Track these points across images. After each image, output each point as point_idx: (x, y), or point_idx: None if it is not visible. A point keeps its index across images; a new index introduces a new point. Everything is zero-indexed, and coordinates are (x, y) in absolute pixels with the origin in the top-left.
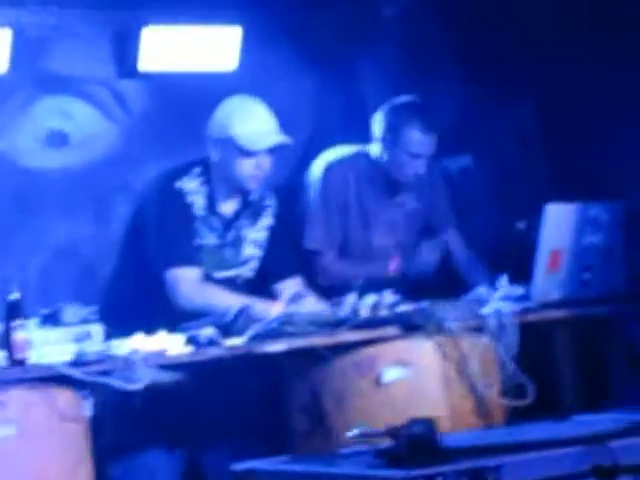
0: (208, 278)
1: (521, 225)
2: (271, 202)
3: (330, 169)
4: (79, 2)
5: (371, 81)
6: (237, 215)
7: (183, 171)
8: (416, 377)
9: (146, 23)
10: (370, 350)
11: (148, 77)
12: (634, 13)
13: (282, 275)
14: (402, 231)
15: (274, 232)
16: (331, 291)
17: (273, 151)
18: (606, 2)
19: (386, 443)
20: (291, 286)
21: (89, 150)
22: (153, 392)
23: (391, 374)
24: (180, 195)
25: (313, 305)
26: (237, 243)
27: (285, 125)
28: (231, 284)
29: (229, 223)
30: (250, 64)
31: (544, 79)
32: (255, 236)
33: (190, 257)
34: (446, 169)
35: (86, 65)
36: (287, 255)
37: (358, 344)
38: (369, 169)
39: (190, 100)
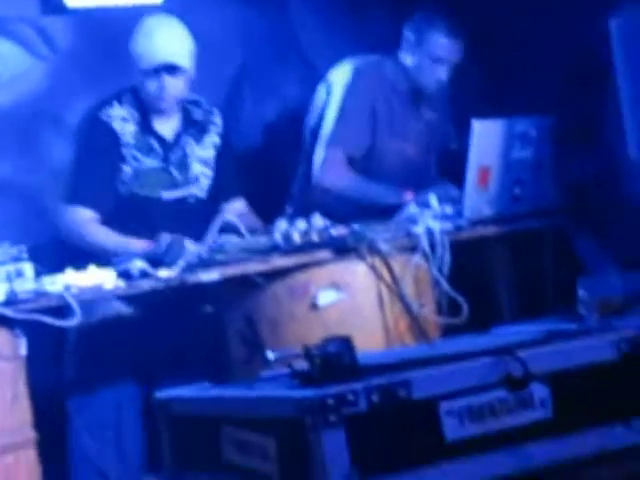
0: (157, 200)
1: (454, 145)
2: (216, 119)
3: (359, 73)
4: None
5: (301, 10)
6: (178, 135)
7: (111, 99)
8: (350, 299)
9: None
10: (303, 275)
11: (74, 13)
12: None
13: (228, 196)
14: (425, 143)
15: (220, 151)
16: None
17: (173, 72)
18: None
19: (302, 364)
20: (236, 207)
21: (16, 88)
22: (97, 327)
23: (325, 297)
24: (105, 125)
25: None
26: (183, 162)
27: (215, 54)
28: (182, 204)
29: (170, 144)
30: None
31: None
32: (202, 154)
33: (89, 196)
34: None
35: (9, 3)
36: (233, 175)
37: (291, 269)
38: (395, 76)
39: (118, 34)
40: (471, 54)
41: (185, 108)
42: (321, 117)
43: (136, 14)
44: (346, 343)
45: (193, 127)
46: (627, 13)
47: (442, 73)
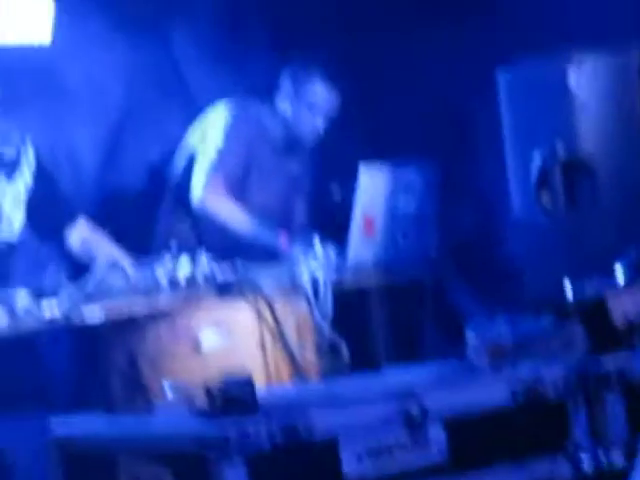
0: None
1: (335, 188)
2: (27, 156)
3: (236, 115)
4: None
5: (186, 51)
6: None
7: None
8: (233, 342)
9: None
10: (187, 315)
11: None
12: None
13: (65, 222)
14: (288, 196)
15: (36, 185)
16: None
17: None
18: None
19: (201, 399)
20: (81, 230)
21: None
22: None
23: (208, 339)
24: None
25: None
26: None
27: (98, 94)
28: None
29: None
30: (63, 36)
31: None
32: (13, 193)
33: None
34: None
35: None
36: (60, 203)
37: (175, 310)
38: (270, 124)
39: (5, 73)
40: (355, 98)
41: None
42: (191, 158)
43: (23, 54)
44: (247, 382)
45: (2, 166)
46: (515, 67)
47: (319, 122)
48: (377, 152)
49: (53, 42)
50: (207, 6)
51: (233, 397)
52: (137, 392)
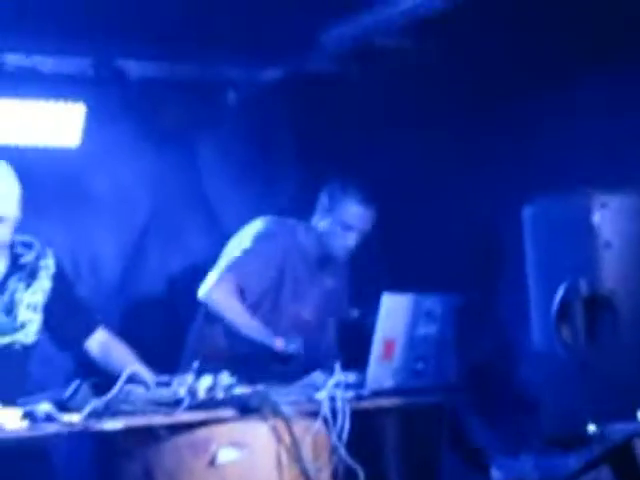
0: None
1: (354, 313)
2: (48, 262)
3: (274, 232)
4: None
5: (211, 165)
6: (5, 278)
7: None
8: (250, 459)
9: None
10: (205, 431)
11: None
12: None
13: (85, 333)
14: (322, 309)
15: (55, 293)
16: None
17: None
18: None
19: None
20: (100, 338)
21: None
22: None
23: (225, 455)
24: None
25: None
26: (10, 308)
27: (125, 201)
28: (8, 351)
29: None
30: (92, 141)
31: (380, 174)
32: (30, 299)
33: None
34: None
35: None
36: (82, 309)
37: (194, 424)
38: (306, 242)
39: (32, 174)
40: (377, 223)
41: (14, 252)
42: None
43: (51, 156)
44: None
45: (21, 271)
46: (540, 204)
47: (351, 240)
48: (398, 281)
49: (81, 147)
50: (234, 121)
51: None
52: None
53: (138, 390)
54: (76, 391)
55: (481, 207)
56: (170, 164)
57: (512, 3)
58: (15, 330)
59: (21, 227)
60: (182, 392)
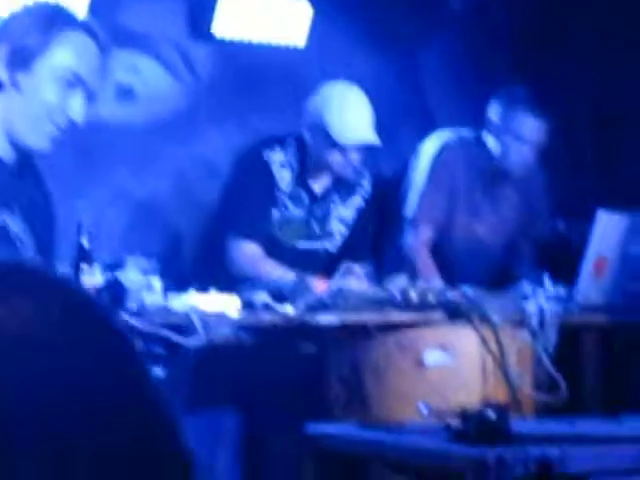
0: (292, 248)
1: (561, 225)
2: (365, 184)
3: (445, 148)
4: None
5: (434, 70)
6: (327, 192)
7: (275, 142)
8: (456, 362)
9: None
10: (415, 332)
11: (218, 42)
12: None
13: (361, 256)
14: (498, 225)
15: (361, 215)
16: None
17: (363, 150)
18: None
19: (457, 422)
20: (357, 270)
21: (153, 107)
22: (211, 351)
23: (432, 357)
24: (266, 166)
25: (360, 283)
26: (324, 218)
27: None
28: (314, 255)
29: (318, 199)
30: (317, 41)
31: (598, 89)
32: (343, 213)
33: (257, 232)
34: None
35: (159, 24)
36: (365, 240)
37: (404, 325)
38: (481, 156)
39: (257, 70)
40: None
41: None
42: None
43: (277, 53)
44: (503, 410)
45: (342, 186)
46: None
47: (529, 155)
48: (611, 198)
49: (307, 47)
50: (457, 27)
51: (490, 424)
52: (355, 400)
53: (353, 287)
54: (294, 284)
55: None
56: (392, 67)
57: None
58: (324, 238)
59: (246, 120)
60: (395, 292)
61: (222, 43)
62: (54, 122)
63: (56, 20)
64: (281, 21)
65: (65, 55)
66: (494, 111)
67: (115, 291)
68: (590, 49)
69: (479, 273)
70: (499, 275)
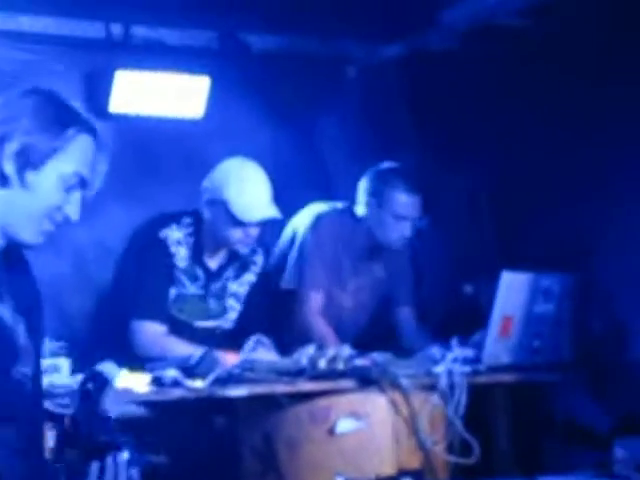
0: (189, 326)
1: (468, 289)
2: (258, 259)
3: (321, 220)
4: (54, 40)
5: (331, 139)
6: (222, 268)
7: (171, 220)
8: (368, 429)
9: (118, 67)
10: (325, 400)
11: (116, 118)
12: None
13: (255, 330)
14: (367, 298)
15: (254, 290)
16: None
17: (264, 224)
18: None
19: None
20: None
21: None
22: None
23: (344, 425)
24: (163, 244)
25: (270, 354)
26: (220, 295)
27: None
28: (211, 334)
29: (213, 275)
30: (215, 114)
31: (498, 150)
32: (237, 289)
33: (157, 311)
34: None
35: None
36: (258, 315)
37: (315, 394)
38: (354, 228)
39: (156, 144)
40: (490, 203)
41: None
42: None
43: (175, 126)
44: (417, 477)
45: (236, 262)
46: None
47: (406, 230)
48: (508, 259)
49: (205, 119)
50: (353, 95)
51: None
52: (270, 472)
53: (261, 359)
54: (202, 359)
55: (590, 191)
56: (290, 137)
57: None
58: (220, 315)
59: (147, 196)
60: (304, 362)
61: (119, 119)
62: (52, 220)
63: (66, 123)
64: (179, 94)
65: (73, 161)
66: (365, 188)
67: None
68: (495, 130)
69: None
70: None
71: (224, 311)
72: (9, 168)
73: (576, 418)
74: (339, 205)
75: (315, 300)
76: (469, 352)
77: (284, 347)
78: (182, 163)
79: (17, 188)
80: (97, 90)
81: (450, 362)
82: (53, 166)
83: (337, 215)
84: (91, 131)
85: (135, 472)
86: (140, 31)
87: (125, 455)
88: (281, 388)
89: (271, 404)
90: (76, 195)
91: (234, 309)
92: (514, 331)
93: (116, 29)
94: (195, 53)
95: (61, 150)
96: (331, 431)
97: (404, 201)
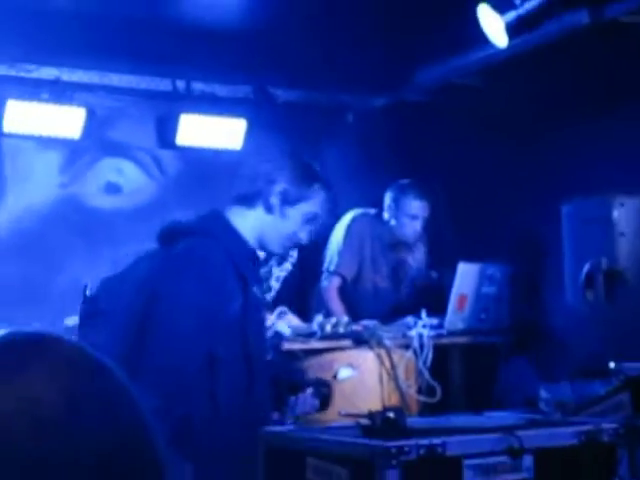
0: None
1: (434, 274)
2: (294, 252)
3: (355, 219)
4: (134, 92)
5: (334, 166)
6: (268, 257)
7: None
8: (360, 376)
9: (182, 111)
10: (330, 355)
11: (180, 149)
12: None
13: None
14: (394, 279)
15: (289, 274)
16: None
17: None
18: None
19: (365, 421)
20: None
21: (135, 198)
22: None
23: (344, 373)
24: None
25: (294, 320)
26: (267, 277)
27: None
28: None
29: (262, 262)
30: (250, 146)
31: (456, 173)
32: (278, 273)
33: None
34: None
35: (137, 137)
36: (293, 290)
37: (322, 350)
38: (381, 228)
39: (208, 167)
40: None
41: None
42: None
43: (221, 155)
44: (399, 411)
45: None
46: (574, 203)
47: (417, 226)
48: (466, 252)
49: (242, 150)
50: (351, 136)
51: (390, 421)
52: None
53: (292, 323)
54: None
55: (530, 204)
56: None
57: (565, 57)
58: (266, 292)
59: (203, 203)
60: (314, 327)
61: (181, 149)
62: (291, 241)
63: (314, 179)
64: (224, 132)
65: (315, 205)
66: (387, 198)
67: None
68: (453, 158)
69: (379, 310)
70: (391, 311)
71: (269, 289)
72: (274, 201)
73: (510, 369)
74: (371, 211)
75: (336, 281)
76: (434, 321)
77: (307, 313)
78: (226, 180)
79: (277, 215)
80: (166, 128)
81: (420, 327)
82: (302, 206)
83: (367, 217)
84: (328, 188)
85: (317, 402)
86: (198, 85)
87: (309, 390)
88: (298, 345)
89: (292, 357)
90: (308, 227)
91: (274, 288)
92: (467, 306)
93: (180, 84)
94: (237, 102)
95: (309, 198)
96: (334, 377)
97: (416, 205)
